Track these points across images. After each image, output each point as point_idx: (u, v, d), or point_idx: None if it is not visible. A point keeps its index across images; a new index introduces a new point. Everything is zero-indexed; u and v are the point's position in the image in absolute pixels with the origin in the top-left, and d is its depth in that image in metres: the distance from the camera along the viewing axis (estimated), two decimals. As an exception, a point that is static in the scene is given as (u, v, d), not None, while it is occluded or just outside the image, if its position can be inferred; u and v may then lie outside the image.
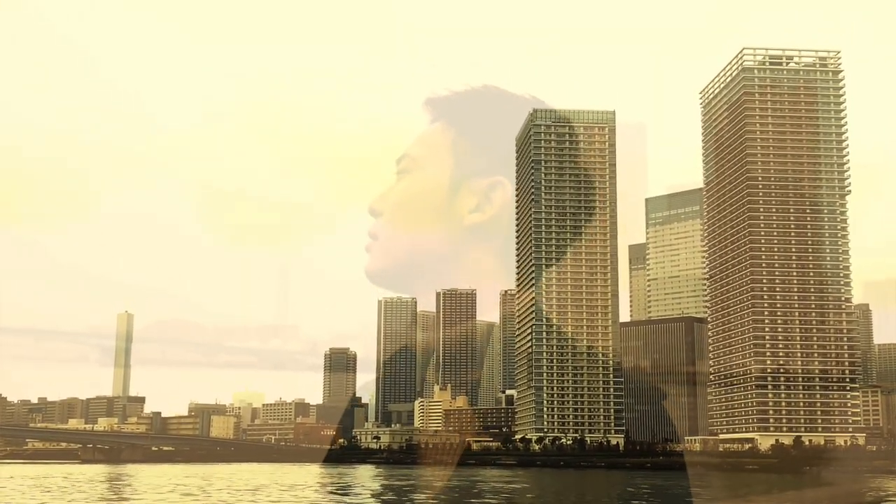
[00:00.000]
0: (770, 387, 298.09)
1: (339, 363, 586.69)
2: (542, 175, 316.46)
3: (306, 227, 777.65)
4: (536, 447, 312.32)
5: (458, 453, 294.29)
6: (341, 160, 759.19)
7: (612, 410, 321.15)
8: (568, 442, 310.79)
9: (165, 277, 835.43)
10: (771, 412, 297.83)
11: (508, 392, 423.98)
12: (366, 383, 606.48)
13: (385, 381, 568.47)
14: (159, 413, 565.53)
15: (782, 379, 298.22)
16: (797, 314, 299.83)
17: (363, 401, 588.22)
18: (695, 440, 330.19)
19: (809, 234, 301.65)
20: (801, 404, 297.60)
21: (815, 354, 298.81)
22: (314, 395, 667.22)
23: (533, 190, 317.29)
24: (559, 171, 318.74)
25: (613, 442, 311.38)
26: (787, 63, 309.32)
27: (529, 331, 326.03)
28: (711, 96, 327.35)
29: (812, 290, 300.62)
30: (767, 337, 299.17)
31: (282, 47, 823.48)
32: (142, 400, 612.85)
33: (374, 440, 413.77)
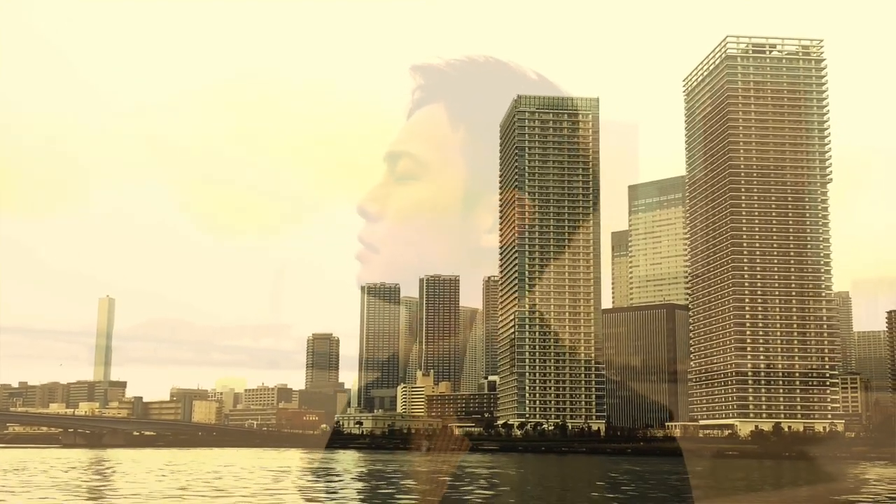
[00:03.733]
0: (750, 374, 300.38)
1: (322, 348, 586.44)
2: (526, 162, 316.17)
3: (293, 218, 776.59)
4: (518, 432, 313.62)
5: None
6: (330, 147, 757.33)
7: (593, 396, 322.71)
8: (550, 427, 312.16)
9: (156, 274, 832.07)
10: (751, 398, 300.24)
11: (491, 378, 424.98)
12: (348, 368, 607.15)
13: (368, 366, 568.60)
14: (141, 398, 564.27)
15: (762, 370, 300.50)
16: (778, 304, 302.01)
17: (346, 386, 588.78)
18: (675, 426, 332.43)
19: (791, 224, 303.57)
20: (781, 391, 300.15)
21: (796, 343, 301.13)
22: (297, 380, 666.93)
23: (517, 176, 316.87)
24: (543, 158, 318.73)
25: (595, 427, 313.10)
26: (771, 51, 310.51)
27: (512, 317, 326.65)
28: (695, 84, 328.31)
29: (793, 279, 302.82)
30: (748, 325, 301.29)
31: (265, 25, 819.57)
32: (123, 385, 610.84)
33: (357, 426, 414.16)
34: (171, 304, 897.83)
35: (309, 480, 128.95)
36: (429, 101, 24.45)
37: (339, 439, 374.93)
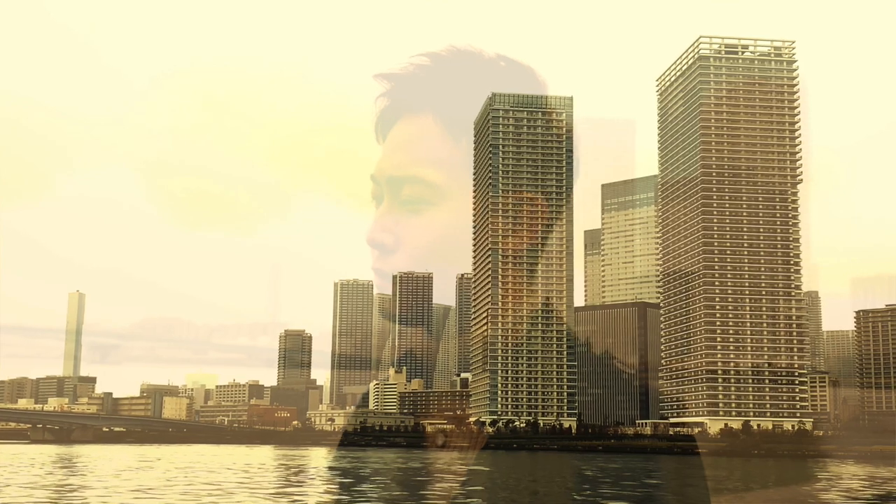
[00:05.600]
0: (720, 373, 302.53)
1: (294, 345, 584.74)
2: (500, 159, 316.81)
3: (268, 214, 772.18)
4: (490, 430, 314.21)
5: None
6: (309, 142, 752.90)
7: (565, 394, 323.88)
8: (521, 425, 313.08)
9: (134, 270, 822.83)
10: (721, 396, 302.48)
11: (463, 375, 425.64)
12: (321, 365, 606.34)
13: (340, 363, 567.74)
14: (111, 394, 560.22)
15: (732, 368, 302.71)
16: (748, 303, 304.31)
17: (318, 383, 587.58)
18: (645, 424, 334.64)
19: (761, 224, 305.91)
20: (751, 390, 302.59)
21: (765, 342, 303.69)
22: (269, 377, 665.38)
23: (490, 174, 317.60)
24: (517, 156, 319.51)
25: (566, 425, 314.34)
26: (743, 52, 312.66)
27: (485, 314, 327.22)
28: (668, 84, 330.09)
29: (763, 279, 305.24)
30: (718, 324, 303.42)
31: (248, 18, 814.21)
32: (93, 380, 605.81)
33: (329, 422, 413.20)
34: (149, 301, 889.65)
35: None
36: (398, 108, 23.94)
37: (310, 436, 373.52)
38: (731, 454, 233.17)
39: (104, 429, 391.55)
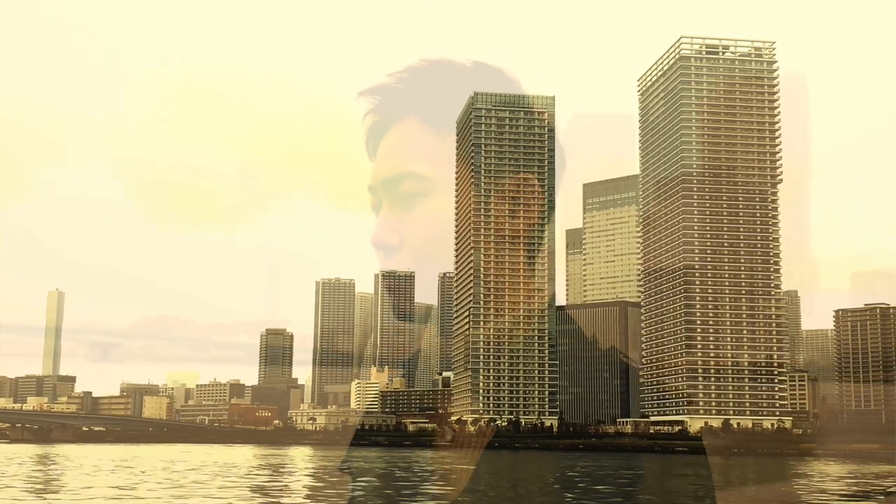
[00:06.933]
0: (700, 372, 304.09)
1: (276, 343, 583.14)
2: (482, 158, 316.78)
3: (249, 213, 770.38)
4: (472, 428, 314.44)
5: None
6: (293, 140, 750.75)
7: (546, 392, 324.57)
8: (503, 423, 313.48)
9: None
10: (701, 395, 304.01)
11: (445, 374, 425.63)
12: (302, 364, 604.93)
13: (322, 362, 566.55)
14: (90, 393, 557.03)
15: (712, 367, 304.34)
16: (728, 302, 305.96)
17: (299, 382, 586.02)
18: (626, 422, 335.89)
19: (741, 223, 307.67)
20: (731, 388, 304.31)
21: (745, 341, 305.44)
22: (250, 376, 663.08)
23: (472, 173, 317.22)
24: (499, 155, 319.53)
25: (547, 423, 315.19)
26: (724, 52, 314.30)
27: (467, 313, 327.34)
28: (649, 84, 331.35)
29: (743, 277, 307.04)
30: (698, 323, 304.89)
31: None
32: (72, 379, 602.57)
33: (310, 422, 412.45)
34: (137, 300, 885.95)
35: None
36: (384, 122, 24.11)
37: (291, 435, 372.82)
38: (711, 452, 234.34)
39: (84, 428, 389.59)
